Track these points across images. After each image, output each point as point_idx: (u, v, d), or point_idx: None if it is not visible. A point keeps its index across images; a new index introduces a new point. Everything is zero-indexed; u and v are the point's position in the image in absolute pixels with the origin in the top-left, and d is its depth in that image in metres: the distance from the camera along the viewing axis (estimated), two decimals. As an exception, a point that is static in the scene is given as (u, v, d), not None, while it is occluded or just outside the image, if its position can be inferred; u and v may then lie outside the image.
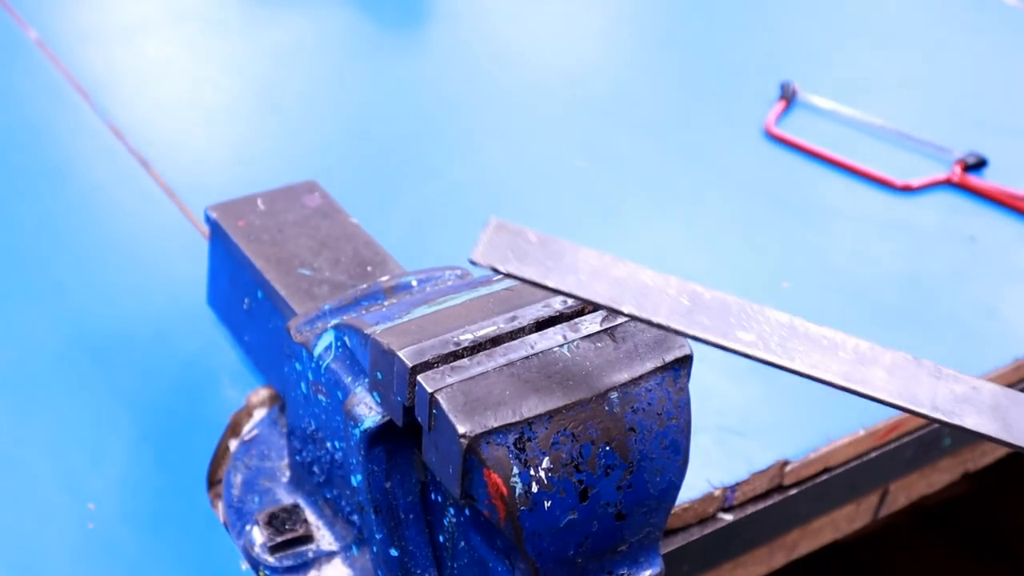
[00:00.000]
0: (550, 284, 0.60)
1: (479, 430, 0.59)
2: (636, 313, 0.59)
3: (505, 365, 0.62)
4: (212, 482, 0.85)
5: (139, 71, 1.33)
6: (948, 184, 1.26)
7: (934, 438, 1.01)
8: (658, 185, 1.24)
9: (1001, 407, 0.59)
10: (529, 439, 0.60)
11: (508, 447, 0.60)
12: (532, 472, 0.60)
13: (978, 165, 1.28)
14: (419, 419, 0.63)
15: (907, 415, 0.96)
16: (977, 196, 1.25)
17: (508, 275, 0.60)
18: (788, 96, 1.35)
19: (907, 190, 1.25)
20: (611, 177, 1.24)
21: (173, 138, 1.23)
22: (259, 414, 0.89)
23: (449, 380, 0.61)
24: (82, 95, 1.25)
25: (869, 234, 1.19)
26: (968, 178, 1.25)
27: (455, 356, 0.63)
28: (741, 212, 1.20)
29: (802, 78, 1.38)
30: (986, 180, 1.26)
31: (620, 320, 0.65)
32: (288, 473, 0.83)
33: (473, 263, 0.61)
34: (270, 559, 0.77)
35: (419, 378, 0.62)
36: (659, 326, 0.59)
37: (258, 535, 0.77)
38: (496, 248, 0.61)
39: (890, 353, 0.60)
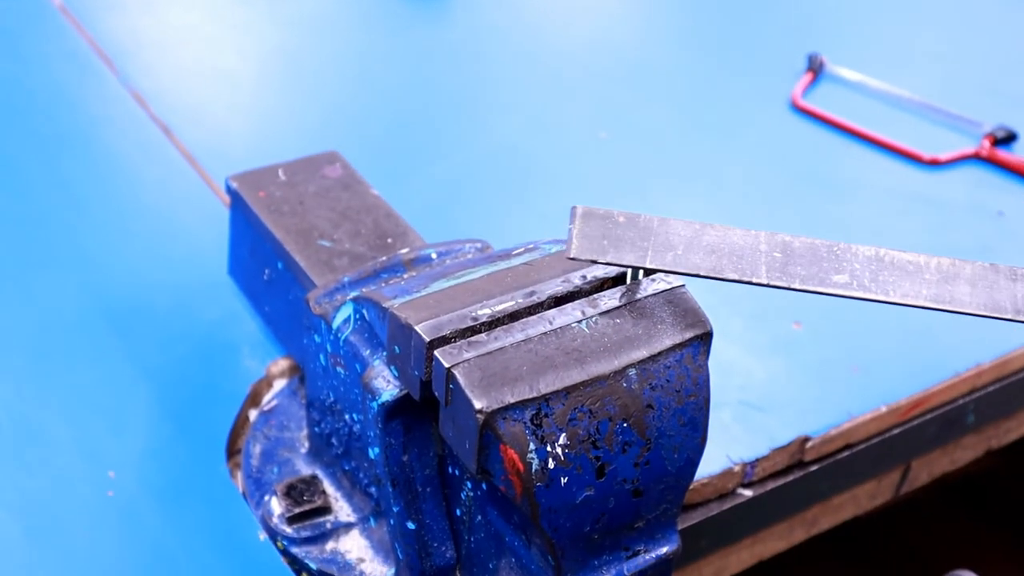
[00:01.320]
0: (652, 266, 0.63)
1: (496, 406, 0.59)
2: (739, 278, 0.62)
3: (523, 341, 0.62)
4: (231, 452, 0.85)
5: (162, 39, 1.32)
6: (976, 158, 1.24)
7: (958, 415, 1.00)
8: (682, 157, 1.23)
9: None
10: (546, 415, 0.60)
11: (525, 423, 0.59)
12: (549, 448, 0.60)
13: (1007, 139, 1.26)
14: (436, 394, 0.63)
15: (929, 392, 0.96)
16: (1006, 171, 1.23)
17: (609, 264, 0.62)
18: (816, 68, 1.34)
19: (935, 164, 1.23)
20: (634, 149, 1.23)
21: (195, 106, 1.23)
22: (279, 385, 0.89)
23: (466, 355, 0.61)
24: (105, 62, 1.25)
25: (896, 208, 1.17)
26: (997, 152, 1.24)
27: (473, 331, 0.63)
28: (766, 185, 1.19)
29: (830, 50, 1.37)
30: (1015, 154, 1.24)
31: (638, 296, 0.65)
32: (307, 444, 0.83)
33: (573, 260, 0.62)
34: (288, 530, 0.77)
35: (436, 353, 0.62)
36: (764, 286, 0.62)
37: (276, 506, 0.78)
38: (589, 239, 0.63)
39: (969, 265, 0.64)
